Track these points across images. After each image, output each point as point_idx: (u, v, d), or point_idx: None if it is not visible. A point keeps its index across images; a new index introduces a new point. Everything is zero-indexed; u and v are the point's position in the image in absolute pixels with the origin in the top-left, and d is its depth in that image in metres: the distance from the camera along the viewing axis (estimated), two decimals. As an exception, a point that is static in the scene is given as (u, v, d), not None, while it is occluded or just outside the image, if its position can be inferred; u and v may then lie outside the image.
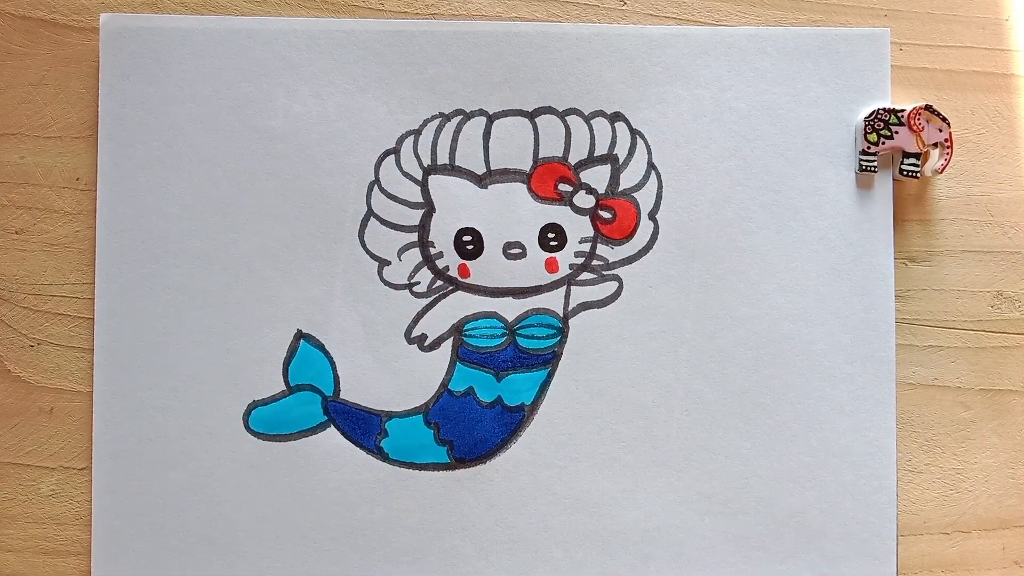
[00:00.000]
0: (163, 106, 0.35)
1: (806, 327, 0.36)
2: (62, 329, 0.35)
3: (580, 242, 0.35)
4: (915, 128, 0.35)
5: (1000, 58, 0.37)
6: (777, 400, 0.35)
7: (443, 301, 0.35)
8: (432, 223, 0.35)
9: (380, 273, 0.35)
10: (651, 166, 0.36)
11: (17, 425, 0.35)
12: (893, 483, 0.36)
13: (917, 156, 0.36)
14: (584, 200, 0.35)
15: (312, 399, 0.35)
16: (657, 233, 0.36)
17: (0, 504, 0.35)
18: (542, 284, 0.35)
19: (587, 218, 0.35)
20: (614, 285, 0.35)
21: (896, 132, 0.35)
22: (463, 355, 0.35)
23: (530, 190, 0.35)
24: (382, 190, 0.35)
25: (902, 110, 0.35)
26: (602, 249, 0.35)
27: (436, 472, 0.35)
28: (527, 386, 0.35)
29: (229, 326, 0.35)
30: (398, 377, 0.35)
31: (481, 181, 0.35)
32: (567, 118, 0.35)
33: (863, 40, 0.36)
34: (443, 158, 0.35)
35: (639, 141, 0.36)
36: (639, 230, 0.36)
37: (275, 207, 0.35)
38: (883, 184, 0.36)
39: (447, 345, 0.35)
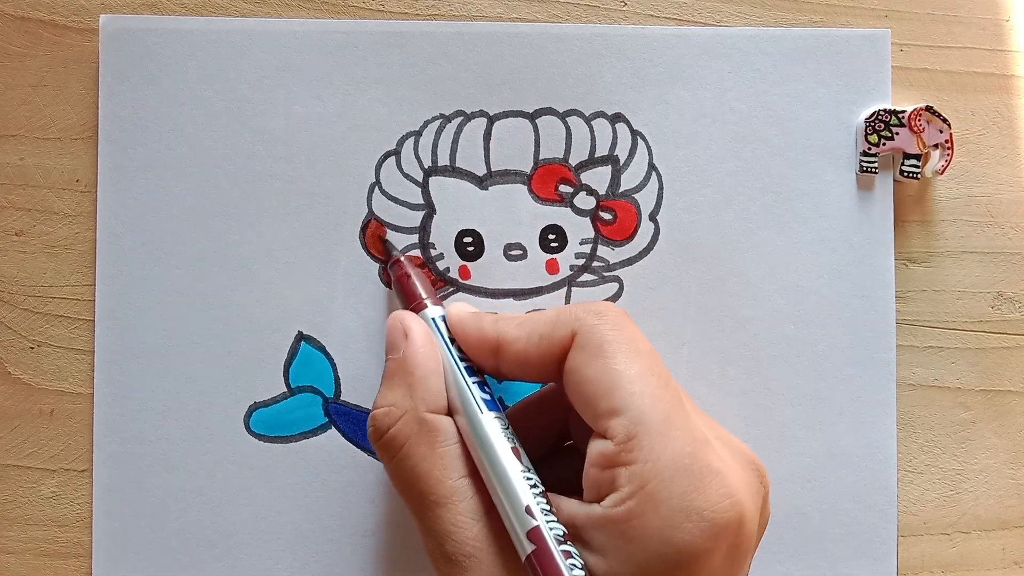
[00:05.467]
0: (163, 107, 0.34)
1: (806, 328, 0.36)
2: (62, 331, 0.35)
3: (581, 243, 0.35)
4: (916, 129, 0.35)
5: (1001, 59, 0.37)
6: (778, 401, 0.35)
7: (444, 302, 0.35)
8: (433, 224, 0.35)
9: (381, 275, 0.35)
10: (652, 167, 0.36)
11: (17, 427, 0.35)
12: (894, 484, 0.36)
13: (918, 157, 0.36)
14: (585, 201, 0.35)
15: (313, 400, 0.35)
16: (658, 234, 0.36)
17: (0, 506, 0.35)
18: (543, 285, 0.35)
19: (588, 219, 0.35)
20: (615, 286, 0.35)
21: (897, 133, 0.35)
22: (464, 356, 0.35)
23: (531, 191, 0.35)
24: (383, 191, 0.35)
25: (903, 111, 0.35)
26: (603, 250, 0.35)
27: (437, 473, 0.35)
28: (529, 387, 0.35)
29: (230, 328, 0.35)
30: (399, 379, 0.35)
31: (482, 182, 0.35)
32: (568, 119, 0.35)
33: (864, 41, 0.36)
34: (444, 159, 0.35)
35: (640, 142, 0.35)
36: (640, 231, 0.35)
37: (275, 208, 0.35)
38: (884, 185, 0.36)
39: (448, 346, 0.35)
